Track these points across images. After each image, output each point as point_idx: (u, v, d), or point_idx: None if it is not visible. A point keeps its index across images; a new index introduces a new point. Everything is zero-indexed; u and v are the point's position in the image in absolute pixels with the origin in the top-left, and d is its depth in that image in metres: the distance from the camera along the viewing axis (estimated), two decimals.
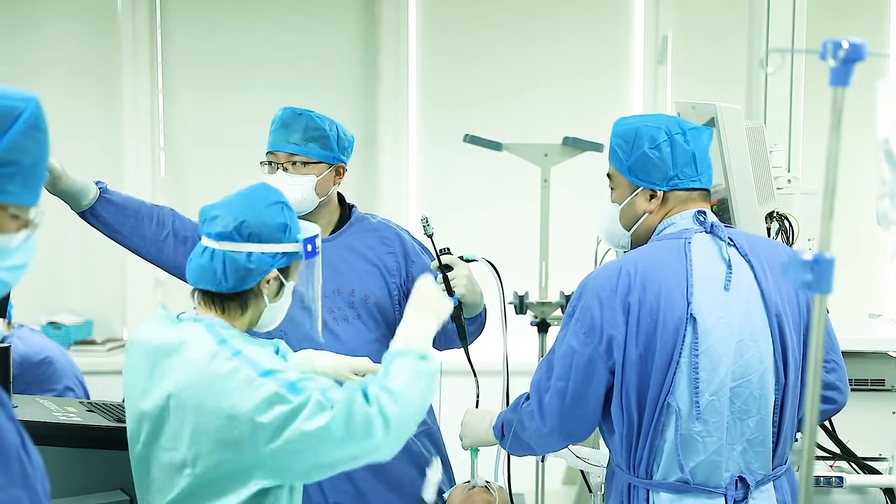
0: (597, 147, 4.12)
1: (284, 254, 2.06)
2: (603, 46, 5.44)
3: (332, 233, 2.78)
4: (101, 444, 2.42)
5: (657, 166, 2.17)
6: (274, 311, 2.12)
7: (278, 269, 2.07)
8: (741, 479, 2.10)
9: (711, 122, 2.65)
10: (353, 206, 2.87)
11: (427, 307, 2.05)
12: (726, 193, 2.64)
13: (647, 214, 2.21)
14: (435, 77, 5.46)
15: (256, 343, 2.11)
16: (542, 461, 2.35)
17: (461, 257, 2.58)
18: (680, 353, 2.06)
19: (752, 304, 2.11)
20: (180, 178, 5.39)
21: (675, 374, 2.06)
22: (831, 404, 2.27)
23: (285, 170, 2.67)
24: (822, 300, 1.31)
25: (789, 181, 3.10)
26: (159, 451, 2.03)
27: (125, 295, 5.42)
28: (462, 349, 2.66)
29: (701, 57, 5.37)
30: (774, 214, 2.88)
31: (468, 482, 2.62)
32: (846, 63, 1.24)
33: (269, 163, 2.71)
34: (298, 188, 2.65)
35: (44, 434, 2.37)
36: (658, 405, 2.07)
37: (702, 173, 2.21)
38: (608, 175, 2.29)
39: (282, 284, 2.09)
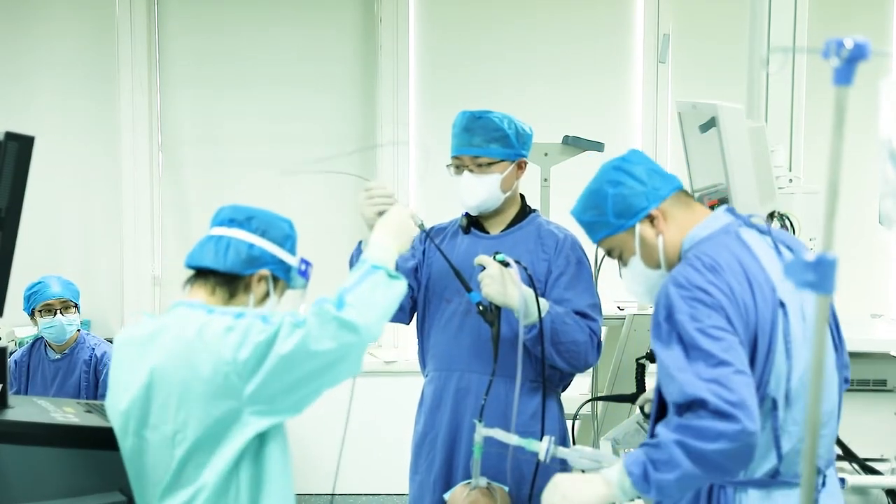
0: (597, 146, 4.10)
1: (281, 261, 2.16)
2: (603, 46, 5.43)
3: (504, 230, 2.87)
4: (99, 444, 2.41)
5: (633, 193, 2.14)
6: None
7: (271, 275, 2.14)
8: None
9: (712, 122, 2.64)
10: (535, 210, 2.93)
11: (390, 233, 2.28)
12: (727, 193, 2.63)
13: (661, 237, 2.14)
14: (435, 77, 5.45)
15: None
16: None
17: (496, 257, 2.59)
18: (774, 341, 1.99)
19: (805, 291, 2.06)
20: (178, 177, 5.37)
21: (772, 363, 1.99)
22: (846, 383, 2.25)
23: (471, 171, 2.78)
24: (825, 300, 1.30)
25: (790, 181, 3.09)
26: (149, 433, 2.07)
27: (123, 295, 5.41)
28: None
29: (701, 56, 5.36)
30: (776, 214, 2.87)
31: (469, 483, 2.61)
32: (849, 62, 1.23)
33: (456, 166, 2.81)
34: (486, 186, 2.78)
35: (42, 435, 2.36)
36: (759, 398, 1.96)
37: (669, 176, 2.18)
38: (608, 254, 2.22)
39: (267, 294, 2.15)
